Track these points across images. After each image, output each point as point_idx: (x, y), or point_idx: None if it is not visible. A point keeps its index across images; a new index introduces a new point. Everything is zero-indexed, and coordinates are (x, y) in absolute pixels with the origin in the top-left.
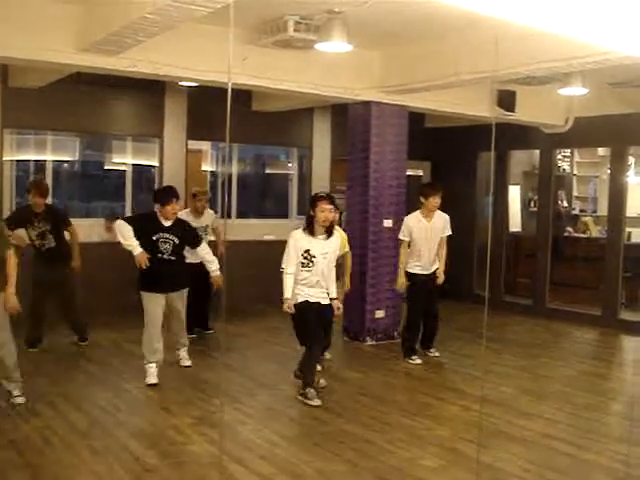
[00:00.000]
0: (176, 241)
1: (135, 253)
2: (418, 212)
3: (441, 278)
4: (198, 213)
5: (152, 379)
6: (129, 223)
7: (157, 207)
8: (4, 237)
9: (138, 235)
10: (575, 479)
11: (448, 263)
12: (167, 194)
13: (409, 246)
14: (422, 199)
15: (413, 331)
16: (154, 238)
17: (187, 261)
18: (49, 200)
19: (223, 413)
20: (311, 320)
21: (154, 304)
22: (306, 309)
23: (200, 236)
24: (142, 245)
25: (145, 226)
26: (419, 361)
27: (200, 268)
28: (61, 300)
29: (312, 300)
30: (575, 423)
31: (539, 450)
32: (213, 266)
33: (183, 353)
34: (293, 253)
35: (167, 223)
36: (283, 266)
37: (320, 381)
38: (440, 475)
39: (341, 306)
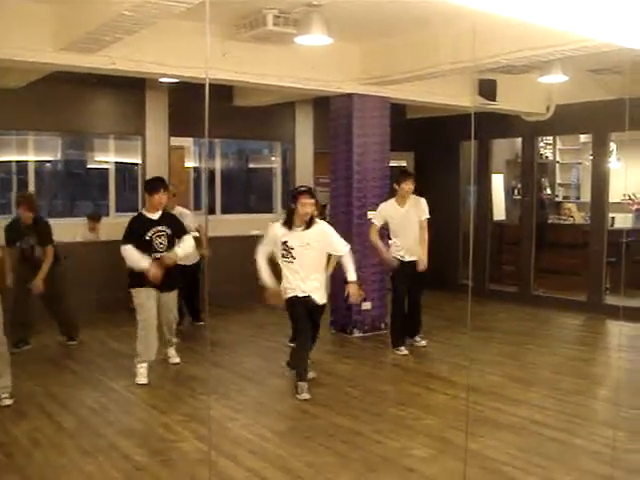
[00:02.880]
0: (169, 232)
1: (145, 268)
2: (393, 200)
3: (423, 265)
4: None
5: (143, 379)
6: (128, 238)
7: (146, 197)
8: None
9: (136, 238)
10: (563, 464)
11: (431, 250)
12: (155, 183)
13: (389, 235)
14: (395, 186)
15: (396, 318)
16: (147, 237)
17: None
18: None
19: (210, 409)
20: (299, 315)
21: (147, 300)
22: (294, 304)
23: (186, 229)
24: (138, 247)
25: (137, 228)
26: (406, 352)
27: (190, 266)
28: (49, 300)
29: (301, 295)
30: (562, 409)
31: (527, 436)
32: (180, 250)
33: (172, 351)
34: (268, 239)
35: (155, 216)
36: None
37: (309, 374)
38: (429, 464)
39: (362, 293)
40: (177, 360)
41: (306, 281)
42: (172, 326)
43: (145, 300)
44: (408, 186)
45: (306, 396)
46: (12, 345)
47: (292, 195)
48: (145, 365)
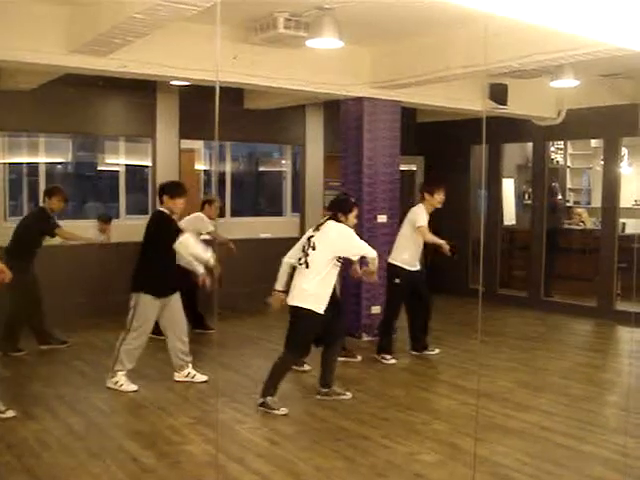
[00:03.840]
0: None
1: (202, 272)
2: (423, 206)
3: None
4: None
5: (132, 386)
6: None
7: (165, 200)
8: None
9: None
10: (573, 471)
11: (440, 255)
12: (179, 187)
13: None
14: (427, 196)
15: (389, 329)
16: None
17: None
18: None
19: (219, 412)
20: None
21: (154, 310)
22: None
23: None
24: (169, 248)
25: (177, 227)
26: (393, 361)
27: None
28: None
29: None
30: (572, 415)
31: (536, 442)
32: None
33: (192, 370)
34: None
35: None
36: (373, 255)
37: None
38: (438, 469)
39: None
40: (205, 378)
41: None
42: (185, 334)
43: (153, 311)
44: (441, 196)
45: (285, 410)
46: (14, 349)
47: (344, 206)
48: (125, 372)
